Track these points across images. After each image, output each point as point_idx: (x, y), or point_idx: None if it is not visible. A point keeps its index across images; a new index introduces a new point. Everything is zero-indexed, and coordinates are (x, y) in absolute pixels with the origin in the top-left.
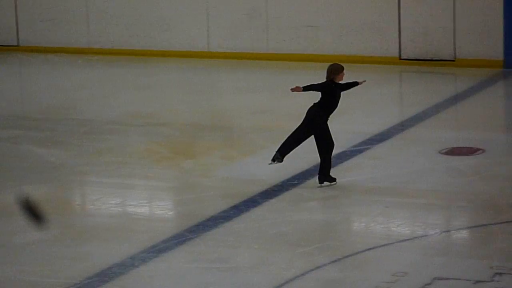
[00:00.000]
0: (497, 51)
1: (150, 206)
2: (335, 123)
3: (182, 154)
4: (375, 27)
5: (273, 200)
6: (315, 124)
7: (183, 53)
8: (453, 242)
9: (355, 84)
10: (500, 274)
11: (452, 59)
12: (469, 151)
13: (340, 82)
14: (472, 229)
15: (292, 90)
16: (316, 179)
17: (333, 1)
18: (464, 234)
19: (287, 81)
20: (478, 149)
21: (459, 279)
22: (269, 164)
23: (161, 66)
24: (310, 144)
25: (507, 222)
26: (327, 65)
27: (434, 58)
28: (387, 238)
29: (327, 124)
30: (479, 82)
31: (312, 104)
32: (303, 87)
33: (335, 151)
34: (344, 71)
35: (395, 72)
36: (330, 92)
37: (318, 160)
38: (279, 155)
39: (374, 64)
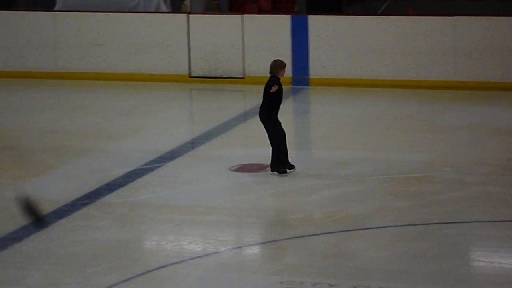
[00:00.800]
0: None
1: None
2: (127, 142)
3: None
4: (165, 45)
5: (63, 220)
6: (269, 124)
7: None
8: (244, 258)
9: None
10: None
11: (241, 76)
12: (259, 168)
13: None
14: (263, 245)
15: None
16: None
17: (122, 20)
18: (254, 250)
19: (77, 99)
20: (267, 166)
21: None
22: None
23: None
24: (102, 164)
25: (295, 237)
26: (117, 83)
27: (223, 76)
28: (178, 255)
29: (277, 118)
30: None
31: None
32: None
33: (126, 170)
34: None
35: (185, 90)
36: (279, 86)
37: (111, 178)
38: (291, 166)
39: (164, 82)
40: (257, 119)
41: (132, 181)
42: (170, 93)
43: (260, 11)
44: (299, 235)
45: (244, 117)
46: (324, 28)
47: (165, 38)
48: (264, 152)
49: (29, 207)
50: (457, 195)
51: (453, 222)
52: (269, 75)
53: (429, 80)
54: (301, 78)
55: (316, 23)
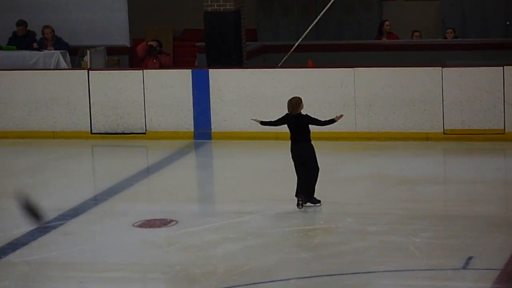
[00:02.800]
0: (187, 123)
1: None
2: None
3: None
4: (66, 102)
5: None
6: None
7: None
8: None
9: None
10: None
11: (143, 132)
12: (163, 223)
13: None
14: None
15: None
16: None
17: (21, 77)
18: None
19: None
20: (171, 220)
21: None
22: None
23: None
24: None
25: None
26: (18, 140)
27: (125, 132)
28: None
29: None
30: (170, 154)
31: None
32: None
33: (28, 228)
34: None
35: (87, 146)
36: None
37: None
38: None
39: (66, 139)
40: (161, 173)
41: (34, 239)
42: (72, 149)
43: (162, 67)
44: None
45: (147, 172)
46: (225, 82)
47: (66, 95)
48: (167, 208)
49: (29, 207)
50: (360, 245)
51: (356, 273)
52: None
53: (330, 131)
54: (203, 132)
55: (217, 77)
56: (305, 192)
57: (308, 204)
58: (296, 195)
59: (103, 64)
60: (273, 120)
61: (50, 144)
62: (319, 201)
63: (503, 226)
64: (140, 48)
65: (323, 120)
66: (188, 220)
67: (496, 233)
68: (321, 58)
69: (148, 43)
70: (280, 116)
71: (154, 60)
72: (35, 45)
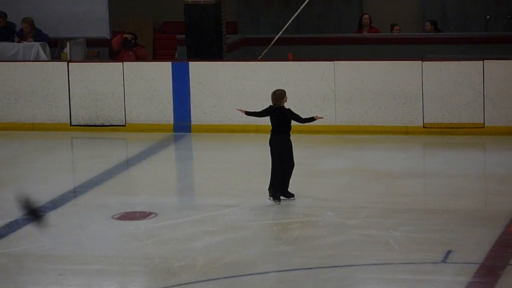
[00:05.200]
0: (167, 115)
1: None
2: (7, 192)
3: None
4: (45, 93)
5: None
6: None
7: None
8: None
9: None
10: None
11: (123, 124)
12: (142, 215)
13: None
14: None
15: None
16: None
17: (3, 70)
18: None
19: None
20: (151, 213)
21: None
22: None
23: None
24: None
25: (179, 285)
26: None
27: (104, 124)
28: None
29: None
30: (150, 147)
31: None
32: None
33: (6, 220)
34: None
35: (67, 138)
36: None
37: None
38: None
39: (45, 131)
40: (140, 166)
41: (12, 231)
42: (51, 142)
43: (137, 59)
44: (184, 282)
45: (127, 164)
46: (205, 75)
47: (45, 87)
48: (147, 200)
49: (29, 207)
50: (339, 238)
51: (335, 266)
52: (150, 122)
53: (310, 124)
54: (183, 124)
55: (197, 69)
56: (279, 186)
57: (282, 198)
58: (268, 189)
59: (82, 56)
60: (257, 111)
61: (30, 136)
62: (293, 195)
63: (482, 220)
64: (115, 42)
65: (303, 117)
66: (168, 213)
67: (475, 227)
68: (301, 51)
69: (123, 36)
70: (264, 108)
71: (130, 53)
72: (16, 39)
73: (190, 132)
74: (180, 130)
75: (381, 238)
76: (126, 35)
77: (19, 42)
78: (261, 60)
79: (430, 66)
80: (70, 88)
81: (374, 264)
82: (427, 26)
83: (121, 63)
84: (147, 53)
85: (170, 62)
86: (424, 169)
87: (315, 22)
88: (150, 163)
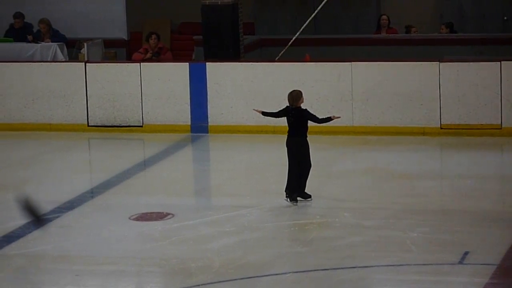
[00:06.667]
0: (184, 116)
1: None
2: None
3: None
4: (62, 94)
5: None
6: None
7: None
8: None
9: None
10: None
11: (140, 124)
12: (159, 216)
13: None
14: None
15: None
16: None
17: (19, 69)
18: None
19: None
20: (167, 214)
21: None
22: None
23: None
24: None
25: (196, 285)
26: (14, 133)
27: (122, 124)
28: None
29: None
30: (167, 147)
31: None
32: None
33: (24, 221)
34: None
35: (84, 139)
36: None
37: (8, 230)
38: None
39: (62, 132)
40: (157, 166)
41: (30, 232)
42: (69, 142)
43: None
44: (200, 283)
45: (143, 165)
46: (222, 75)
47: (63, 87)
48: (164, 201)
49: (29, 207)
50: (356, 239)
51: (352, 267)
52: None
53: (327, 125)
54: (200, 125)
55: (214, 70)
56: (296, 187)
57: (299, 198)
58: (285, 190)
59: (100, 56)
60: (274, 111)
61: (47, 136)
62: (309, 196)
63: (499, 221)
64: (136, 58)
65: (320, 117)
66: (185, 214)
67: (492, 228)
68: (318, 52)
69: (145, 58)
70: (281, 108)
71: (154, 58)
72: (29, 37)
73: (207, 132)
74: (197, 131)
75: (398, 239)
76: (148, 55)
77: (33, 41)
78: (278, 61)
79: (448, 67)
80: (88, 88)
81: (391, 265)
82: (442, 29)
83: (139, 63)
84: (171, 56)
85: (188, 63)
86: (441, 170)
87: (332, 23)
88: (167, 164)
